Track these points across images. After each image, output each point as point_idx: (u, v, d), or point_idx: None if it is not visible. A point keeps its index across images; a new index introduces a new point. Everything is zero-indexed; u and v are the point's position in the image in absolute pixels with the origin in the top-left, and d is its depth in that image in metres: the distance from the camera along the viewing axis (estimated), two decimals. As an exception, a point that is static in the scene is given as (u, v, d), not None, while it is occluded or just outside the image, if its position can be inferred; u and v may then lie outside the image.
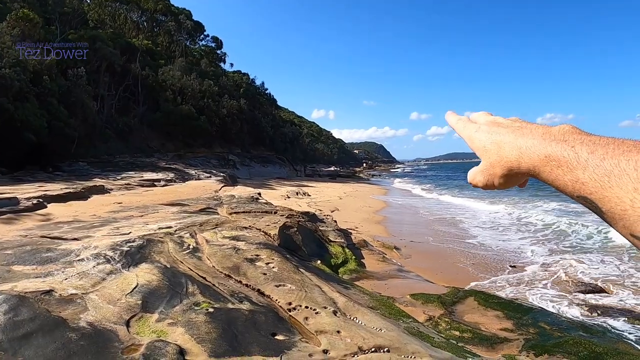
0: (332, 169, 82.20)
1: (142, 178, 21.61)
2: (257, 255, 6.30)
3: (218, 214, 10.55)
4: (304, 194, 27.57)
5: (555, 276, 9.57)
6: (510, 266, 10.44)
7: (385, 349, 3.73)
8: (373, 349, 3.71)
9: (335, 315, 4.43)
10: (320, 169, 74.76)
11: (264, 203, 13.85)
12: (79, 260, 5.34)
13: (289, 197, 24.10)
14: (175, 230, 7.51)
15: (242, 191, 19.50)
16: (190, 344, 3.48)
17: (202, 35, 62.29)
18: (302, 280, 5.44)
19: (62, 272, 4.91)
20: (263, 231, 8.21)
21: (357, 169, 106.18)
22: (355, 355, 3.59)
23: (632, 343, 5.52)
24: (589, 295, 8.20)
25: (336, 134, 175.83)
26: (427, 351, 3.83)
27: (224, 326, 3.84)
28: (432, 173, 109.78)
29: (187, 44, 58.26)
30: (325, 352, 3.62)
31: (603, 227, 15.99)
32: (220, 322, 3.90)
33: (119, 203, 12.81)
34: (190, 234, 7.34)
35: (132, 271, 5.07)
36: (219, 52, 65.17)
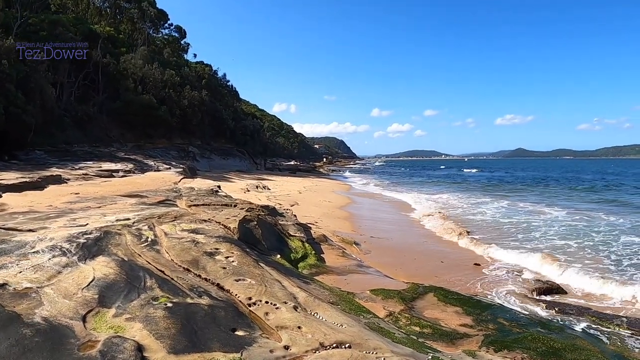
0: (292, 163, 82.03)
1: (100, 168, 21.00)
2: (217, 249, 6.19)
3: (177, 206, 10.33)
4: (264, 187, 27.36)
5: (515, 274, 9.80)
6: (474, 264, 10.62)
7: (347, 345, 3.72)
8: (334, 345, 3.69)
9: (296, 310, 4.40)
10: (281, 163, 74.49)
11: (224, 196, 13.67)
12: (34, 252, 5.13)
13: (248, 191, 23.85)
14: (134, 222, 7.30)
15: (201, 183, 19.22)
16: (148, 340, 3.37)
17: (166, 24, 60.65)
18: (262, 275, 5.37)
19: (17, 264, 4.71)
20: (222, 224, 8.08)
21: (317, 164, 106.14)
22: (317, 351, 3.56)
23: (589, 339, 5.69)
24: (547, 294, 8.46)
25: (297, 128, 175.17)
26: (389, 347, 3.83)
27: (183, 321, 3.74)
28: (391, 169, 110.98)
29: (150, 32, 56.73)
30: (286, 347, 3.58)
31: (556, 225, 16.49)
32: (179, 317, 3.80)
33: (76, 194, 12.41)
34: (148, 227, 7.14)
35: (88, 264, 4.90)
36: (182, 42, 63.79)
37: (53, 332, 3.37)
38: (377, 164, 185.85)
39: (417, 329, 5.31)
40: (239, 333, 3.77)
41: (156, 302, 4.10)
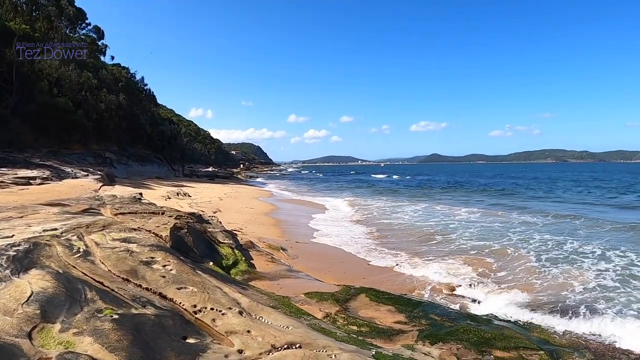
0: (210, 169, 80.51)
1: (16, 175, 19.59)
2: (153, 258, 6.05)
3: (102, 214, 9.93)
4: (185, 194, 26.80)
5: (435, 273, 10.25)
6: (394, 266, 10.98)
7: (297, 345, 3.80)
8: (285, 346, 3.76)
9: (242, 315, 4.42)
10: (199, 170, 72.91)
11: (148, 204, 13.29)
12: (-42, 268, 4.79)
13: (169, 198, 23.30)
14: (62, 233, 6.93)
15: (122, 191, 18.57)
16: (102, 353, 3.26)
17: (84, 24, 57.14)
18: (202, 282, 5.33)
19: (-58, 281, 4.38)
20: (153, 232, 7.88)
21: (235, 170, 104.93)
22: (270, 353, 3.61)
23: (515, 329, 6.13)
24: (470, 287, 8.97)
25: (214, 134, 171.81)
26: (336, 344, 3.96)
27: (134, 332, 3.65)
28: (308, 175, 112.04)
29: (67, 31, 53.43)
30: (240, 352, 3.60)
31: (472, 227, 17.35)
32: (128, 329, 3.70)
33: (-7, 203, 11.63)
34: (77, 236, 6.81)
35: (23, 278, 4.60)
36: (99, 43, 60.59)
37: (0, 352, 3.18)
38: (290, 170, 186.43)
39: (355, 328, 5.48)
40: (190, 341, 3.74)
41: (101, 315, 3.96)
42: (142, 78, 69.43)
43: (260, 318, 4.50)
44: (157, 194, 24.51)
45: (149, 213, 10.20)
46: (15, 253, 5.33)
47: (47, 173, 22.35)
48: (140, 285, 4.98)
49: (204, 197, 27.18)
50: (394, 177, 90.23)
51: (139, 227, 8.13)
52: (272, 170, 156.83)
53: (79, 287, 4.61)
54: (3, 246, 5.57)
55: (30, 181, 18.91)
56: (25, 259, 5.23)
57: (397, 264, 11.09)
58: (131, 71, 64.87)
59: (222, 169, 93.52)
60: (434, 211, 24.14)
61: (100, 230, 7.59)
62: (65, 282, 4.64)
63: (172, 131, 69.38)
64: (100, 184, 21.20)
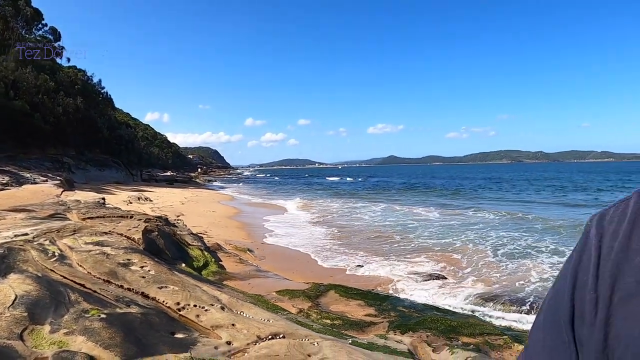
0: (168, 173, 79.27)
1: (-24, 182, 19.13)
2: (129, 260, 6.10)
3: (69, 219, 9.86)
4: (146, 199, 26.51)
5: (400, 269, 10.59)
6: (357, 265, 11.24)
7: (281, 335, 3.98)
8: (270, 336, 3.93)
9: (224, 310, 4.56)
10: (157, 174, 71.63)
11: (113, 208, 13.21)
12: None
13: (131, 203, 22.99)
14: (34, 237, 6.85)
15: (84, 196, 18.25)
16: (97, 350, 3.35)
17: (40, 25, 55.00)
18: (181, 281, 5.44)
19: None
20: (125, 235, 7.90)
21: (193, 174, 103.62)
22: (257, 343, 3.77)
23: (479, 317, 6.48)
24: (434, 282, 9.34)
25: (171, 137, 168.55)
26: (316, 334, 4.16)
27: (124, 330, 3.74)
28: (265, 179, 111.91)
29: (23, 32, 51.36)
30: (228, 343, 3.76)
31: (431, 226, 17.83)
32: (118, 327, 3.79)
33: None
34: (49, 241, 6.75)
35: (3, 282, 4.62)
36: (56, 44, 58.41)
37: None
38: (246, 173, 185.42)
39: (329, 321, 5.69)
40: (179, 336, 3.87)
41: (88, 315, 4.02)
42: (100, 81, 67.76)
43: (242, 313, 4.65)
44: (119, 198, 24.15)
45: (117, 217, 10.17)
46: (-9, 258, 5.31)
47: (6, 179, 21.73)
48: (121, 286, 5.05)
49: (165, 201, 26.93)
50: (348, 179, 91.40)
51: (109, 231, 8.13)
52: (229, 175, 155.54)
53: (60, 289, 4.63)
54: (-23, 251, 5.53)
55: (-10, 187, 18.40)
56: (1, 264, 5.20)
57: (360, 264, 11.36)
58: (88, 74, 63.28)
59: (180, 173, 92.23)
60: (393, 211, 24.69)
61: (72, 234, 7.54)
62: (47, 285, 4.65)
63: (129, 135, 68.07)
64: (62, 190, 20.77)
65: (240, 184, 79.52)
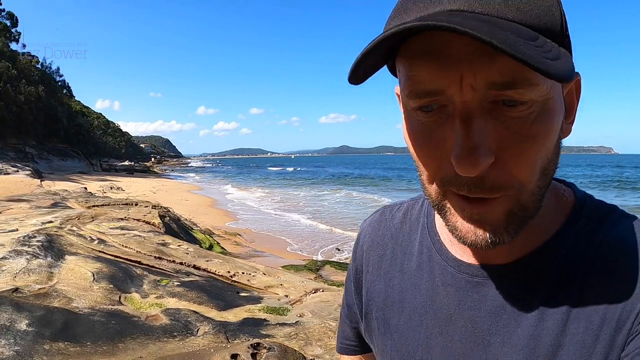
0: (127, 163, 77.78)
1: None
2: (164, 240, 6.70)
3: (73, 207, 10.20)
4: (118, 188, 26.60)
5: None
6: (336, 249, 11.94)
7: (321, 290, 4.84)
8: (313, 291, 4.78)
9: (267, 275, 5.39)
10: (116, 164, 70.36)
11: (103, 197, 13.57)
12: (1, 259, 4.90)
13: (104, 192, 23.07)
14: (61, 224, 7.27)
15: (64, 186, 18.37)
16: (194, 306, 3.99)
17: None
18: (219, 256, 6.22)
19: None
20: (144, 220, 8.41)
21: (148, 164, 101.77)
22: (308, 295, 4.61)
23: None
24: None
25: (122, 126, 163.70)
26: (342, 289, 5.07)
27: (204, 291, 4.47)
28: (220, 168, 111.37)
29: None
30: (286, 296, 4.58)
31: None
32: (198, 289, 4.45)
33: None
34: (76, 227, 7.20)
35: (69, 263, 5.02)
36: (13, 30, 55.10)
37: (111, 315, 3.62)
38: (199, 163, 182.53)
39: (336, 287, 6.59)
40: (244, 294, 4.65)
41: (162, 284, 4.70)
42: (58, 69, 65.27)
43: (279, 277, 5.49)
44: (92, 188, 24.04)
45: (122, 204, 10.62)
46: (40, 243, 5.59)
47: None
48: (173, 261, 5.71)
49: (136, 191, 26.90)
50: (288, 169, 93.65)
51: (125, 217, 8.66)
52: (182, 164, 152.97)
53: (123, 266, 5.21)
54: (20, 238, 5.76)
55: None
56: (53, 248, 5.56)
57: (338, 248, 12.08)
58: (45, 62, 60.68)
59: (135, 162, 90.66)
60: (353, 198, 25.81)
61: (91, 220, 8.01)
62: (108, 264, 5.21)
63: (86, 124, 66.06)
64: (39, 180, 20.66)
65: (199, 173, 79.04)
